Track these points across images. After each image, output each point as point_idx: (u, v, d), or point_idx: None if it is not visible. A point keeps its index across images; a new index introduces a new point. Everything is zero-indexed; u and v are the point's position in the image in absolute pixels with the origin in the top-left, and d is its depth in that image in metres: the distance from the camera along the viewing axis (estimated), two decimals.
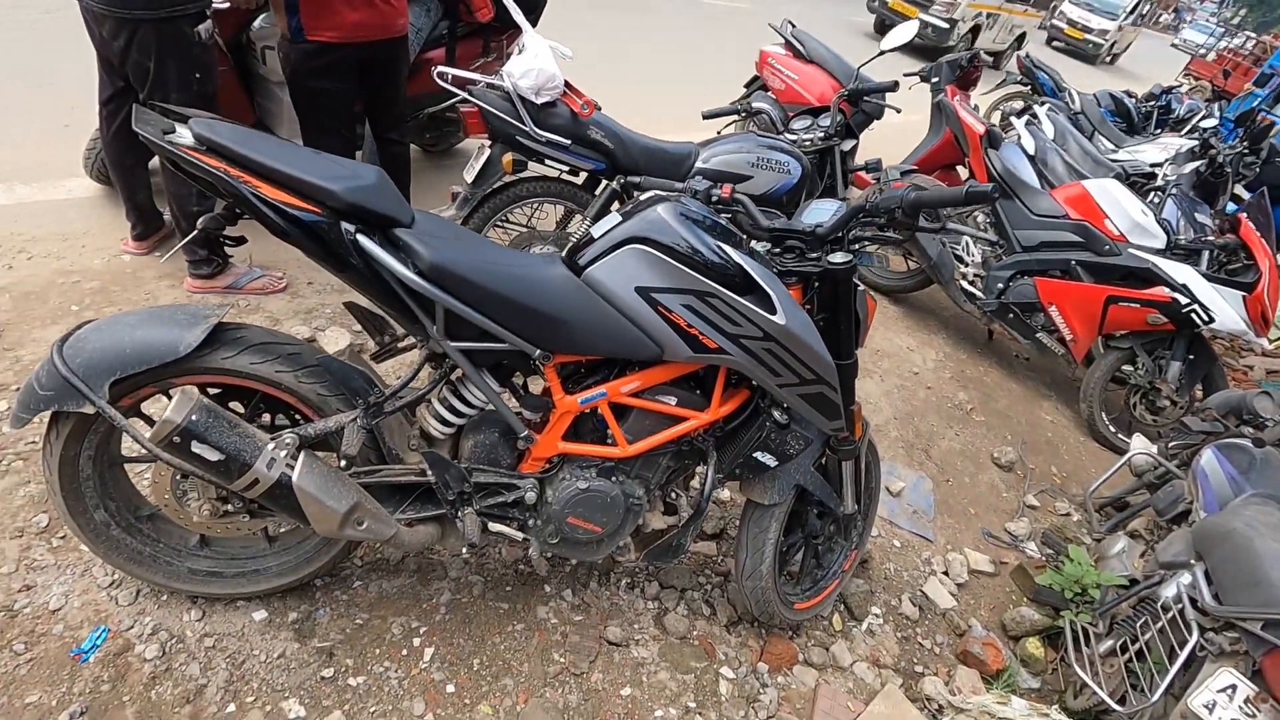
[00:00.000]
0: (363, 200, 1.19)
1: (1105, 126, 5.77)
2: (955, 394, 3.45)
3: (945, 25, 10.41)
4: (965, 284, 3.70)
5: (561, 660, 1.70)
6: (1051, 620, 2.24)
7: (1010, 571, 2.52)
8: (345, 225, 1.19)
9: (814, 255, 1.49)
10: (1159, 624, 1.84)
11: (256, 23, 2.53)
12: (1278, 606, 1.55)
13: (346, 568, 1.73)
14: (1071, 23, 17.70)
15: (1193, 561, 1.92)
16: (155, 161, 2.38)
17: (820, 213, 1.55)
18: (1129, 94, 7.02)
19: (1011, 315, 3.54)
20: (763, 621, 1.95)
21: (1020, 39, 12.78)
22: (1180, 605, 1.82)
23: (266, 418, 1.48)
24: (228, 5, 2.31)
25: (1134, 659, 1.90)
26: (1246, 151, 4.68)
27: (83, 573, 1.56)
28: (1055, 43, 17.85)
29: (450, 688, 1.57)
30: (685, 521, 1.67)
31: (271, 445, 1.25)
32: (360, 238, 1.19)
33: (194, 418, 1.17)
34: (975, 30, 11.25)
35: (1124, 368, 3.40)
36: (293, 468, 1.26)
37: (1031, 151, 3.82)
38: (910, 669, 2.06)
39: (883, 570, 2.34)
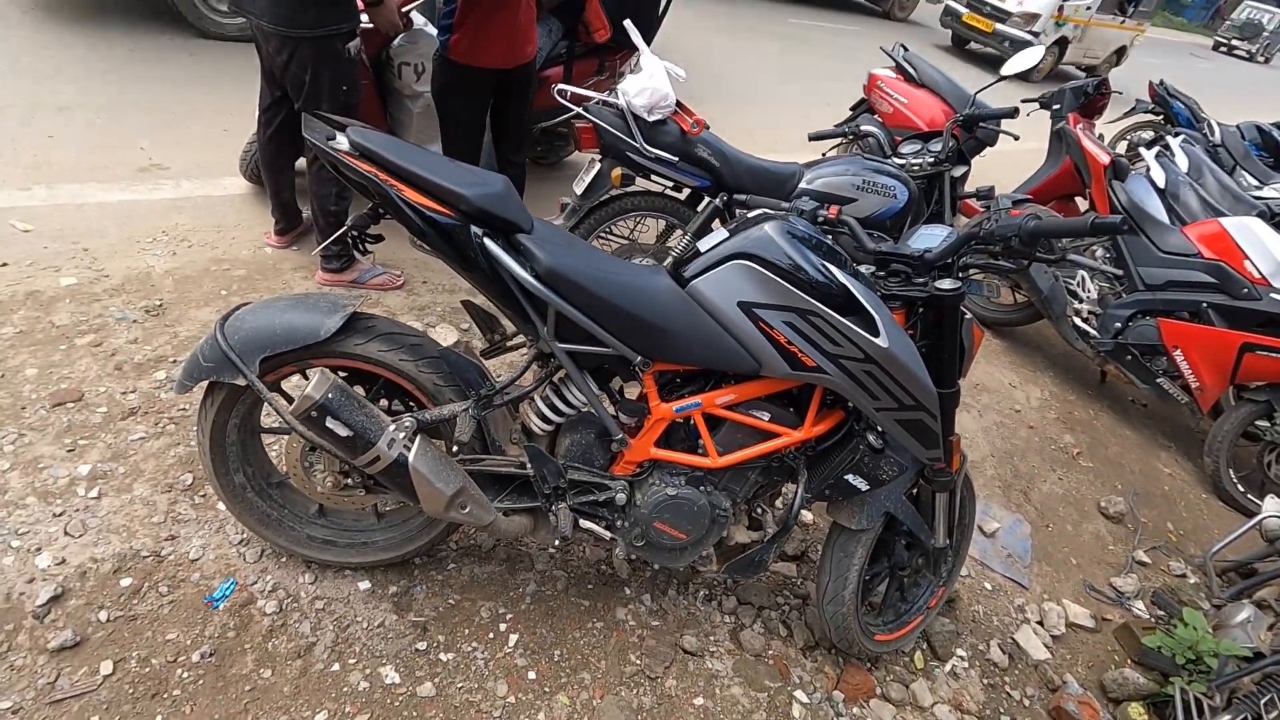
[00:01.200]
0: (490, 206, 1.28)
1: (1250, 161, 5.32)
2: (1060, 436, 3.26)
3: (1026, 38, 9.93)
4: (1079, 321, 3.49)
5: (638, 662, 1.74)
6: (1159, 686, 2.07)
7: (1114, 630, 2.36)
8: (474, 229, 1.28)
9: (920, 280, 1.48)
10: None
11: (396, 41, 2.75)
12: None
13: (443, 550, 1.84)
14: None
15: None
16: (301, 164, 2.63)
17: (929, 238, 1.54)
18: (1278, 126, 6.44)
19: (1130, 357, 3.31)
20: (840, 649, 1.91)
21: (1120, 53, 11.87)
22: None
23: (384, 403, 1.60)
24: (373, 25, 2.52)
25: None
26: None
27: (218, 529, 1.73)
28: (1221, 48, 17.09)
29: (531, 674, 1.64)
30: (769, 537, 1.68)
31: (392, 427, 1.37)
32: (486, 240, 1.29)
33: (330, 395, 1.29)
34: (1062, 44, 10.65)
35: (1258, 423, 3.11)
36: (409, 449, 1.37)
37: (1161, 185, 3.57)
38: (995, 718, 1.96)
39: (971, 612, 2.25)
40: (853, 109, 4.60)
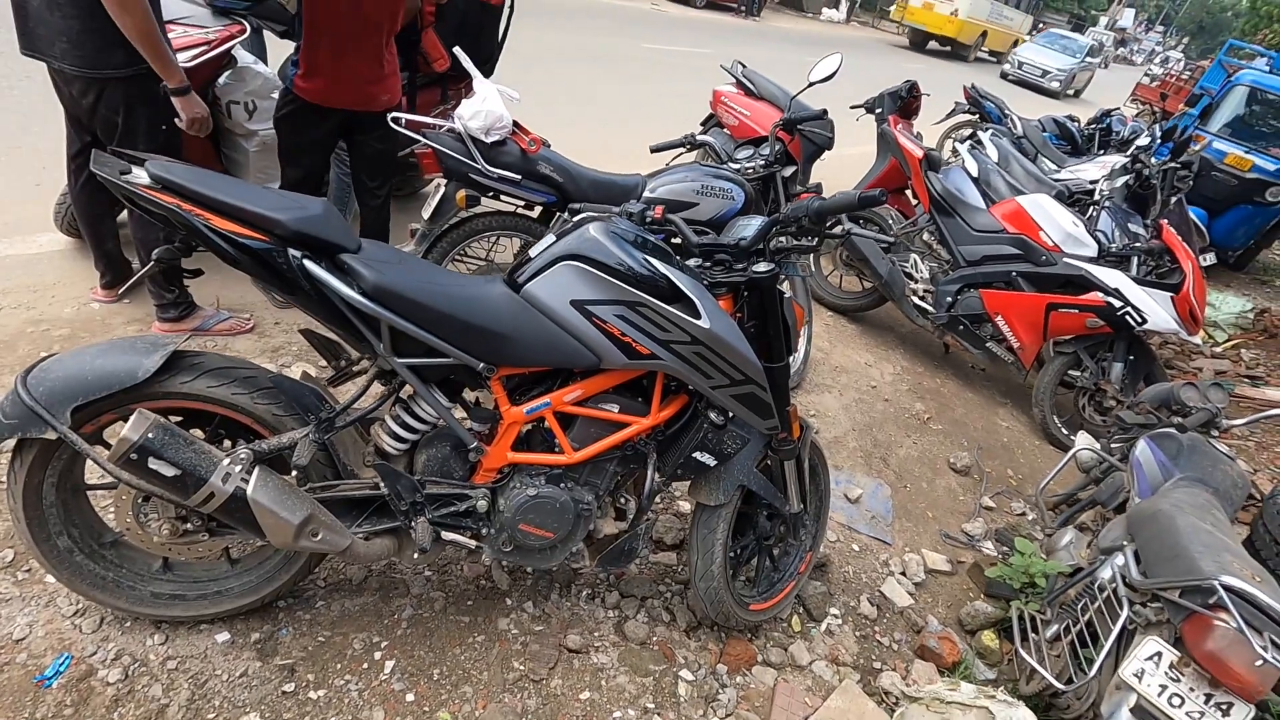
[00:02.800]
0: (308, 228, 1.29)
1: (1047, 149, 6.06)
2: (912, 405, 3.57)
3: None
4: (917, 300, 3.85)
5: (521, 668, 1.75)
6: (1005, 612, 2.31)
7: (967, 569, 2.60)
8: (292, 252, 1.28)
9: (740, 266, 1.61)
10: (1096, 604, 1.93)
11: (221, 79, 2.67)
12: (1194, 575, 1.64)
13: (309, 588, 1.78)
14: (1023, 64, 18.93)
15: (1125, 543, 2.01)
16: (125, 214, 2.49)
17: (744, 228, 1.67)
18: (1072, 118, 7.38)
19: (962, 327, 3.69)
20: (720, 624, 2.01)
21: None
22: (1114, 584, 1.91)
23: (227, 443, 1.55)
24: (193, 64, 2.44)
25: (1079, 641, 1.97)
26: (1178, 166, 4.95)
27: (47, 603, 1.60)
28: (1008, 79, 18.77)
29: (410, 696, 1.61)
30: (633, 521, 1.75)
31: (227, 461, 1.33)
32: (306, 262, 1.29)
33: (150, 435, 1.24)
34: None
35: (1071, 372, 3.54)
36: (247, 482, 1.34)
37: (975, 173, 4.02)
38: (869, 665, 2.12)
39: (841, 574, 2.41)
40: (703, 124, 4.86)
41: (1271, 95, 6.93)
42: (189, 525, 1.46)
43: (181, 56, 2.43)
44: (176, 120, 2.15)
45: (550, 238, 1.56)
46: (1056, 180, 5.00)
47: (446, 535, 1.59)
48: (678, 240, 1.67)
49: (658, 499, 2.31)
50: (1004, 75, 18.95)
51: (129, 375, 1.32)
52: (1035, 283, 3.45)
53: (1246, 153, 6.57)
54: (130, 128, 2.12)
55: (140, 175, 1.25)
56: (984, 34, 20.47)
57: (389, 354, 1.40)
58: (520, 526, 1.61)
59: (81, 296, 2.57)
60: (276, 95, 2.58)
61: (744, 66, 4.62)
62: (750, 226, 1.65)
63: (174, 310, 2.46)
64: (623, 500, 1.80)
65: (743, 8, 16.67)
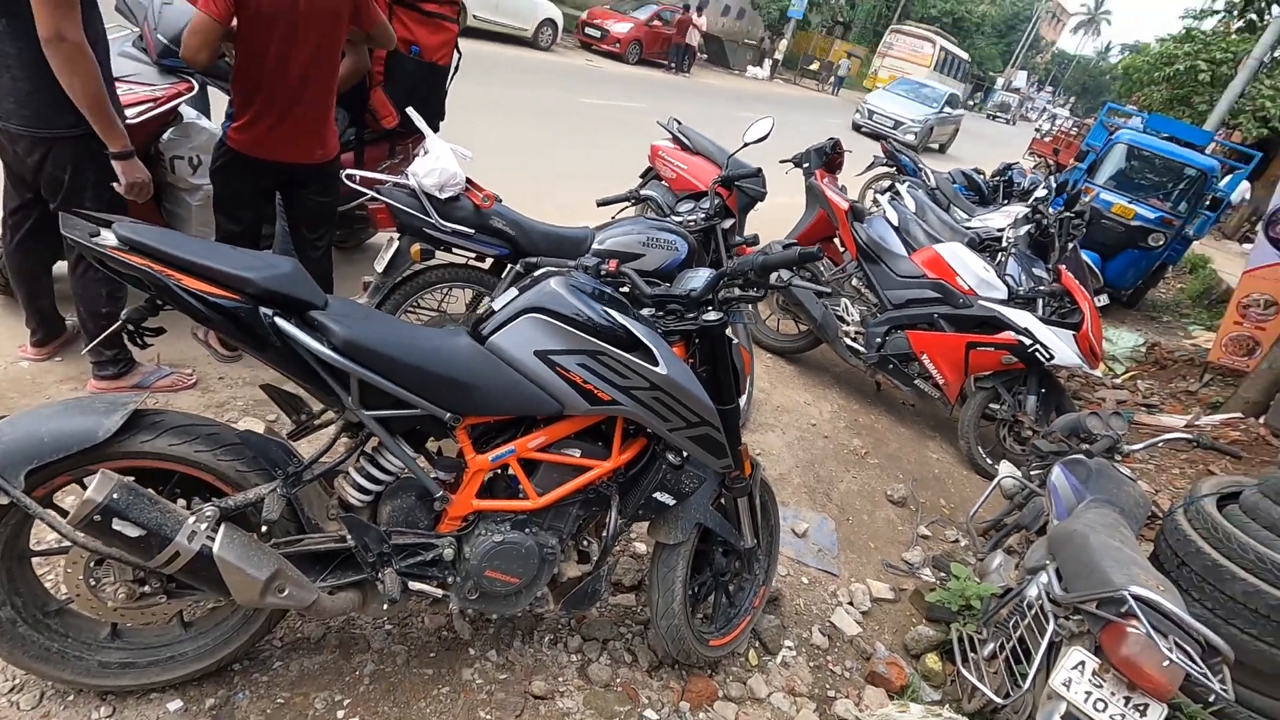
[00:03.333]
0: (278, 286, 1.33)
1: (958, 199, 6.56)
2: (850, 441, 3.75)
3: None
4: (849, 341, 4.09)
5: (487, 717, 1.75)
6: (946, 635, 2.45)
7: (909, 596, 2.74)
8: (263, 310, 1.32)
9: (691, 315, 1.73)
10: (1026, 621, 2.08)
11: (165, 135, 2.66)
12: (1107, 587, 1.81)
13: (266, 649, 1.74)
14: (873, 112, 16.47)
15: (1048, 562, 2.19)
16: (60, 267, 2.42)
17: (694, 279, 1.80)
18: (978, 171, 8.03)
19: (891, 366, 3.93)
20: (681, 661, 2.05)
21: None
22: (1040, 601, 2.07)
23: (182, 501, 1.52)
24: (139, 120, 2.44)
25: (1013, 657, 2.11)
26: (1072, 215, 5.47)
27: None
28: (861, 130, 16.21)
29: None
30: (596, 563, 1.80)
31: (192, 519, 1.32)
32: (278, 320, 1.32)
33: (115, 495, 1.23)
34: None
35: (991, 405, 3.82)
36: (213, 539, 1.33)
37: (895, 223, 4.34)
38: (823, 694, 2.20)
39: (793, 606, 2.50)
40: (642, 176, 5.07)
41: (1145, 152, 7.75)
42: (147, 588, 1.43)
43: (129, 113, 2.43)
44: (115, 185, 2.13)
45: (512, 292, 1.64)
46: (968, 228, 5.43)
47: (414, 585, 1.60)
48: (625, 289, 1.78)
49: (617, 540, 2.36)
50: (856, 126, 16.38)
51: (88, 436, 1.30)
52: (955, 324, 3.73)
53: (1129, 202, 7.30)
54: (77, 185, 2.10)
55: (109, 237, 1.26)
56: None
57: (357, 407, 1.44)
58: (486, 573, 1.63)
59: (9, 355, 2.47)
60: None
61: (679, 123, 4.87)
62: (699, 278, 1.78)
63: (112, 368, 2.39)
64: (585, 543, 1.85)
65: (673, 64, 17.44)
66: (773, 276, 1.68)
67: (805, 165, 4.83)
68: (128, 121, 2.34)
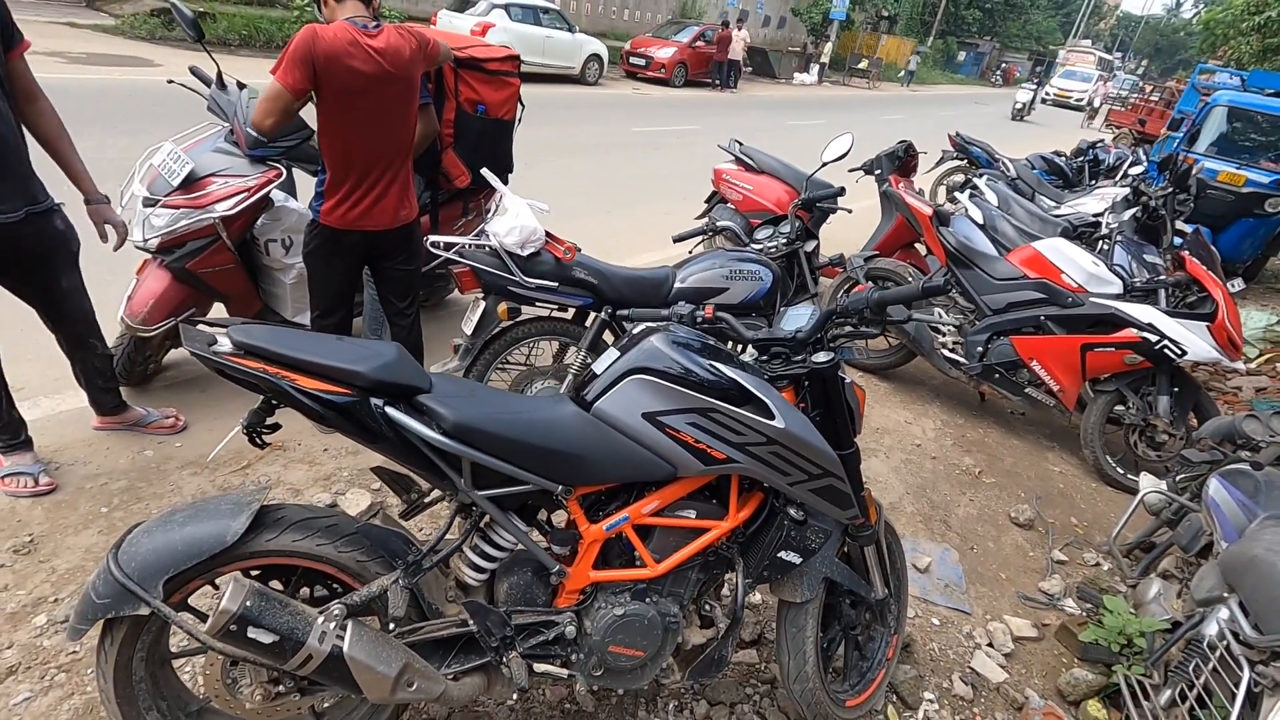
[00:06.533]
0: (387, 375, 1.31)
1: (1043, 186, 6.18)
2: (961, 459, 3.51)
3: None
4: (946, 352, 3.85)
5: None
6: (1106, 678, 2.20)
7: (1054, 633, 2.49)
8: (374, 400, 1.30)
9: (799, 358, 1.62)
10: (1210, 665, 1.83)
11: (259, 222, 2.78)
12: None
13: None
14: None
15: (1226, 595, 1.93)
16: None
17: (797, 318, 1.69)
18: (1058, 153, 7.57)
19: (997, 375, 3.67)
20: None
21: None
22: (1225, 642, 1.82)
23: (305, 590, 1.53)
24: (236, 210, 2.55)
25: (1198, 705, 1.86)
26: (1176, 191, 5.04)
27: None
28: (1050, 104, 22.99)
29: None
30: (724, 632, 1.69)
31: (321, 619, 1.31)
32: (389, 410, 1.30)
33: (248, 603, 1.23)
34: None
35: (1116, 408, 3.50)
36: (342, 638, 1.31)
37: (981, 221, 4.10)
38: None
39: (927, 652, 2.32)
40: (707, 201, 5.01)
41: (1250, 112, 7.12)
42: (281, 688, 1.42)
43: (225, 204, 2.55)
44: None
45: (613, 353, 1.58)
46: (1058, 217, 5.09)
47: (539, 668, 1.54)
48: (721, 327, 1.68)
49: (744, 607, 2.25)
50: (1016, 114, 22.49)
51: (218, 540, 1.31)
52: (1065, 325, 3.45)
53: (1238, 168, 6.70)
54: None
55: (224, 343, 1.28)
56: None
57: (470, 488, 1.40)
58: (610, 649, 1.56)
59: (137, 444, 2.59)
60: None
61: (740, 144, 4.80)
62: (804, 317, 1.67)
63: (110, 400, 2.60)
64: (707, 607, 1.75)
65: (717, 81, 17.42)
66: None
67: (877, 172, 4.66)
68: (224, 214, 2.45)
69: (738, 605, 1.64)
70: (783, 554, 1.68)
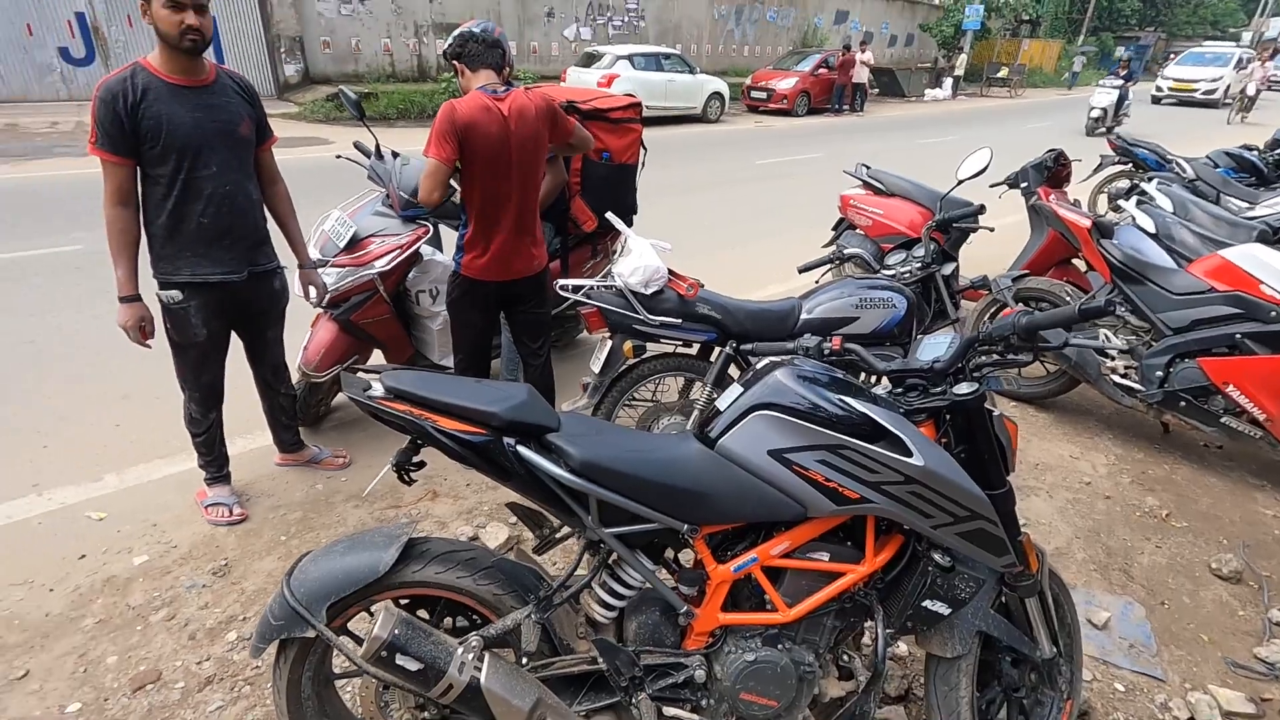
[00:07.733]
0: (519, 415, 1.38)
1: (1231, 186, 5.43)
2: (1143, 500, 3.09)
3: None
4: (1117, 378, 3.44)
5: None
6: None
7: (1278, 709, 2.09)
8: (506, 440, 1.37)
9: (938, 390, 1.51)
10: None
11: (410, 274, 3.06)
12: None
13: None
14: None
15: None
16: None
17: (935, 347, 1.58)
18: (1248, 147, 6.63)
19: (1183, 403, 3.21)
20: None
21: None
22: None
23: (448, 620, 1.61)
24: (391, 266, 2.82)
25: None
26: None
27: None
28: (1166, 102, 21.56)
29: None
30: (865, 685, 1.58)
31: (460, 650, 1.37)
32: (520, 449, 1.36)
33: (397, 631, 1.32)
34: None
35: None
36: (480, 669, 1.36)
37: (1153, 230, 3.66)
38: None
39: None
40: (834, 229, 4.88)
41: None
42: (427, 714, 1.50)
43: (382, 261, 2.83)
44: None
45: (737, 388, 1.55)
46: (1252, 219, 4.43)
47: (668, 711, 1.52)
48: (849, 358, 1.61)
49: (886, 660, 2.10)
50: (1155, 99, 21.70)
51: (371, 571, 1.42)
52: (1269, 343, 2.97)
53: None
54: None
55: (377, 389, 1.40)
56: None
57: (597, 525, 1.42)
58: (741, 696, 1.50)
59: (307, 480, 2.90)
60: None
61: (868, 167, 4.64)
62: (943, 346, 1.56)
63: (289, 437, 2.94)
64: (845, 658, 1.65)
65: (836, 106, 17.07)
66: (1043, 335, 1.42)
67: (1024, 185, 4.33)
68: (381, 269, 2.72)
69: (879, 657, 1.53)
70: (928, 603, 1.55)
